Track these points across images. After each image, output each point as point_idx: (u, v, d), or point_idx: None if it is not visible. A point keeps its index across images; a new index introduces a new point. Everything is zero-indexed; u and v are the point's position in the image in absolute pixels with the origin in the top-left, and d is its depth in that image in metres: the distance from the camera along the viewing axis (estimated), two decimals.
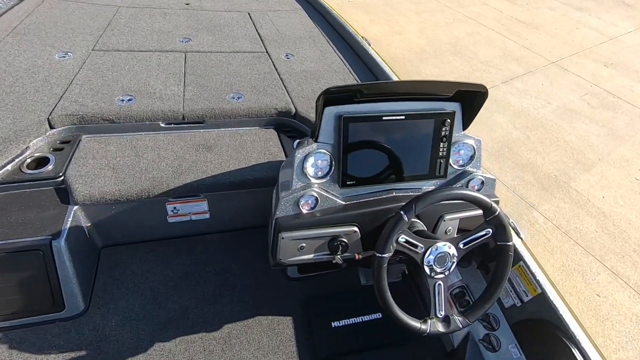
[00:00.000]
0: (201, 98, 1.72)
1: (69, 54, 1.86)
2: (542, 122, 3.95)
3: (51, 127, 1.52)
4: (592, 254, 2.68)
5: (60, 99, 1.59)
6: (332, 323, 1.45)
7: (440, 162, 1.14)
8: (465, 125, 1.16)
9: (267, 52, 2.16)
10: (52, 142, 1.53)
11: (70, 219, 1.34)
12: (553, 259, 2.61)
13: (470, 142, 1.18)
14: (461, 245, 0.96)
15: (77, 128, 1.57)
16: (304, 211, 1.06)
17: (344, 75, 2.08)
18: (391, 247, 0.89)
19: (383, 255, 0.88)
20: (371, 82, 0.95)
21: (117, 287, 1.46)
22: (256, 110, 1.73)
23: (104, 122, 1.58)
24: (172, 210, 1.54)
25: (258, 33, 2.33)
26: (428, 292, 0.95)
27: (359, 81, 2.04)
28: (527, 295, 1.19)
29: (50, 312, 1.34)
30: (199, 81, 1.83)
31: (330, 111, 1.03)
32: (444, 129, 1.10)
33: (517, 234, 1.30)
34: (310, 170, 1.06)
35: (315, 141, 1.05)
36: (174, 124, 1.67)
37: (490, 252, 1.29)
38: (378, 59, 2.15)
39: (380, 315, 1.49)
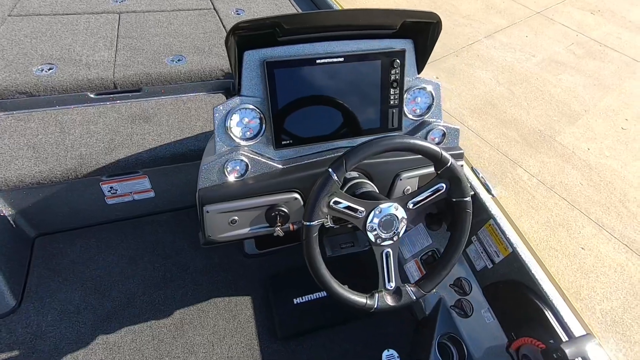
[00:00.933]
0: (135, 62, 1.52)
1: None
2: (527, 75, 3.77)
3: None
4: (577, 207, 2.60)
5: None
6: (294, 300, 1.33)
7: (393, 112, 0.97)
8: (419, 68, 0.99)
9: (214, 8, 1.93)
10: None
11: None
12: (538, 215, 2.52)
13: (428, 87, 1.01)
14: (410, 205, 0.81)
15: None
16: (232, 179, 0.91)
17: None
18: (321, 213, 0.74)
19: (311, 223, 0.74)
20: (294, 13, 0.79)
21: (54, 279, 1.32)
22: (199, 73, 1.54)
23: (20, 95, 1.37)
24: (108, 191, 1.38)
25: None
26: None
27: None
28: (498, 256, 1.08)
29: None
30: (133, 44, 1.62)
31: (252, 56, 0.85)
32: (393, 71, 0.93)
33: (488, 190, 1.17)
34: (235, 130, 0.90)
35: (239, 94, 0.88)
36: (105, 94, 1.47)
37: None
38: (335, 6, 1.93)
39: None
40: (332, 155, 0.97)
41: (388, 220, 0.79)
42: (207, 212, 0.88)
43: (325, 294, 1.36)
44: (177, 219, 1.53)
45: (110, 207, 1.43)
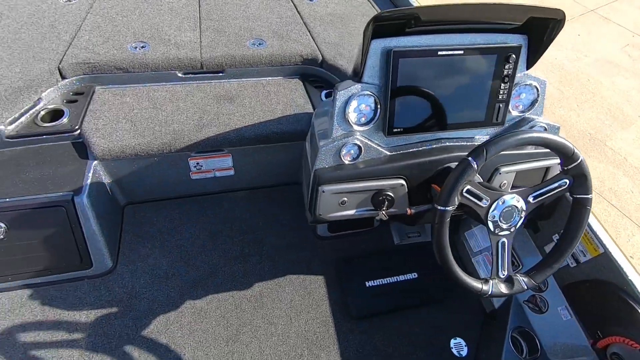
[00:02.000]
0: (219, 44, 1.57)
1: None
2: (578, 76, 3.66)
3: (62, 77, 1.40)
4: (627, 215, 2.56)
5: (70, 46, 1.45)
6: (366, 282, 1.39)
7: (499, 107, 1.00)
8: (530, 64, 1.00)
9: None
10: (65, 93, 1.42)
11: (90, 175, 1.27)
12: None
13: (534, 83, 1.02)
14: (531, 199, 0.85)
15: (89, 78, 1.45)
16: (346, 162, 0.95)
17: None
18: (456, 199, 0.79)
19: (446, 208, 0.78)
20: (429, 5, 0.80)
21: (144, 245, 1.42)
22: (280, 57, 1.58)
23: (117, 71, 1.45)
24: (195, 166, 1.45)
25: None
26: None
27: None
28: (584, 256, 1.10)
29: (78, 269, 1.30)
30: (215, 26, 1.67)
31: (377, 45, 0.89)
32: (507, 66, 0.95)
33: None
34: (352, 116, 0.94)
35: (359, 81, 0.92)
36: (192, 73, 1.53)
37: (543, 209, 1.18)
38: (414, 3, 1.93)
39: (416, 275, 1.42)
40: (437, 145, 1.00)
41: (509, 211, 0.83)
42: (323, 192, 0.93)
43: (396, 280, 1.42)
44: (252, 197, 1.60)
45: (194, 182, 1.50)
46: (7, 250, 1.22)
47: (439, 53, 0.90)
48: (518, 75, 1.00)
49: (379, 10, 1.95)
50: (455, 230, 1.51)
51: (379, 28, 0.84)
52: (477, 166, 0.77)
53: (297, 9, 1.85)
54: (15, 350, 1.16)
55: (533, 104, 1.05)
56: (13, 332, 1.19)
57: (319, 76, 1.64)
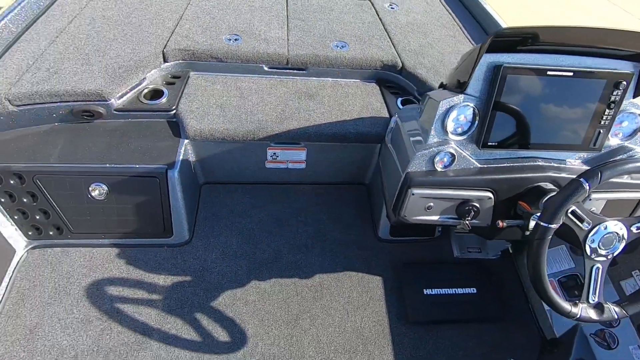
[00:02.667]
0: (305, 43, 1.65)
1: None
2: None
3: (165, 61, 1.54)
4: None
5: (173, 33, 1.59)
6: (424, 290, 1.41)
7: (600, 132, 0.98)
8: (637, 93, 0.98)
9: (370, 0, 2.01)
10: (165, 75, 1.55)
11: (182, 152, 1.38)
12: None
13: (639, 112, 1.00)
14: (634, 229, 0.83)
15: (186, 64, 1.58)
16: (438, 168, 0.98)
17: (453, 31, 1.88)
18: (562, 218, 0.79)
19: (550, 225, 0.79)
20: (549, 25, 0.81)
21: (217, 223, 1.52)
22: (360, 61, 1.63)
23: (211, 59, 1.56)
24: (271, 156, 1.54)
25: None
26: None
27: (471, 39, 1.84)
28: None
29: (160, 236, 1.42)
30: (302, 25, 1.75)
31: (486, 59, 0.91)
32: (615, 92, 0.94)
33: None
34: (450, 125, 0.97)
35: (462, 92, 0.94)
36: (277, 68, 1.62)
37: None
38: (494, 14, 1.91)
39: (475, 291, 1.42)
40: (530, 163, 1.00)
41: (609, 237, 0.82)
42: (412, 194, 0.97)
43: (454, 292, 1.42)
44: (319, 191, 1.66)
45: (267, 171, 1.59)
46: (104, 211, 1.35)
47: (548, 73, 0.90)
48: (624, 102, 0.98)
49: (459, 22, 1.95)
50: (445, 235, 1.56)
51: (494, 44, 0.87)
52: (589, 189, 0.77)
53: (379, 16, 1.90)
54: (103, 301, 1.29)
55: (634, 133, 1.02)
56: (102, 285, 1.33)
57: (396, 83, 1.67)
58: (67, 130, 1.37)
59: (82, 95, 1.33)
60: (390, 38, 1.76)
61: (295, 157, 1.56)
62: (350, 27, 1.78)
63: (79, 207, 1.34)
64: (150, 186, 1.34)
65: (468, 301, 1.39)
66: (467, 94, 0.94)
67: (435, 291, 1.41)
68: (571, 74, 0.91)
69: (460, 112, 0.96)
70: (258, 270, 1.42)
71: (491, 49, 0.89)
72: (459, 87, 0.95)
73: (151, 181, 1.33)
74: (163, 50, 1.52)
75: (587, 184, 0.77)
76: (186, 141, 1.42)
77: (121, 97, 1.42)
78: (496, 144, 0.98)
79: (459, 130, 0.98)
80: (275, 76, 1.62)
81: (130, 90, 1.44)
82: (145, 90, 1.47)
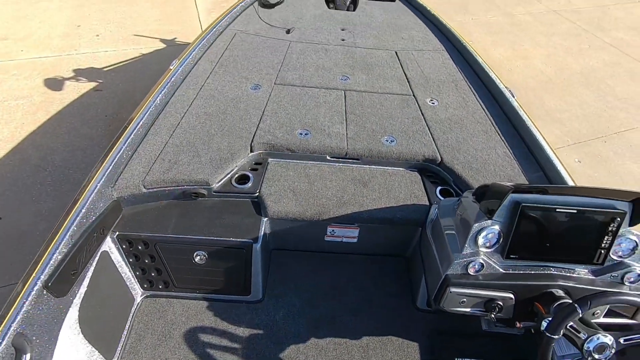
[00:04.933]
0: (360, 138, 2.03)
1: (258, 86, 2.31)
2: None
3: (251, 151, 1.96)
4: None
5: (257, 129, 2.03)
6: (456, 359, 1.66)
7: (601, 252, 1.25)
8: (632, 223, 1.25)
9: (413, 95, 2.39)
10: (249, 162, 1.98)
11: (263, 228, 1.76)
12: None
13: (634, 237, 1.26)
14: (621, 340, 1.09)
15: (266, 153, 2.00)
16: (471, 273, 1.29)
17: (486, 127, 2.20)
18: (562, 331, 1.07)
19: (553, 337, 1.07)
20: (556, 185, 1.12)
21: (284, 285, 1.87)
22: (406, 155, 1.98)
23: (287, 151, 1.98)
24: (330, 232, 1.89)
25: (405, 74, 2.56)
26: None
27: (501, 135, 2.15)
28: None
29: (240, 294, 1.79)
30: (357, 121, 2.14)
31: (509, 197, 1.23)
32: (612, 225, 1.22)
33: None
34: (480, 241, 1.28)
35: (491, 218, 1.26)
36: (337, 157, 2.00)
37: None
38: (522, 113, 2.22)
39: None
40: (543, 272, 1.28)
41: (601, 346, 1.08)
42: (450, 292, 1.27)
43: None
44: (367, 262, 1.98)
45: (325, 242, 1.94)
46: (202, 272, 1.74)
47: (557, 210, 1.20)
48: (621, 230, 1.25)
49: (491, 117, 2.28)
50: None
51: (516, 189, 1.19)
52: (581, 312, 1.05)
53: (421, 111, 2.27)
54: (196, 345, 1.65)
55: (632, 251, 1.28)
56: (195, 332, 1.69)
57: (435, 173, 2.00)
58: (179, 206, 1.80)
59: (193, 182, 1.76)
60: (431, 133, 2.11)
61: (349, 234, 1.90)
62: (398, 122, 2.16)
63: (184, 268, 1.74)
64: (238, 255, 1.72)
65: None
66: (494, 220, 1.26)
67: None
68: (575, 211, 1.20)
69: (488, 232, 1.27)
70: (316, 330, 1.73)
71: (514, 191, 1.21)
72: (489, 213, 1.26)
73: (239, 252, 1.71)
74: (251, 144, 1.95)
75: (579, 309, 1.04)
76: (266, 219, 1.80)
77: (219, 182, 1.84)
78: (517, 256, 1.28)
79: (487, 244, 1.29)
80: (335, 164, 2.01)
81: (226, 176, 1.87)
82: (236, 176, 1.89)
